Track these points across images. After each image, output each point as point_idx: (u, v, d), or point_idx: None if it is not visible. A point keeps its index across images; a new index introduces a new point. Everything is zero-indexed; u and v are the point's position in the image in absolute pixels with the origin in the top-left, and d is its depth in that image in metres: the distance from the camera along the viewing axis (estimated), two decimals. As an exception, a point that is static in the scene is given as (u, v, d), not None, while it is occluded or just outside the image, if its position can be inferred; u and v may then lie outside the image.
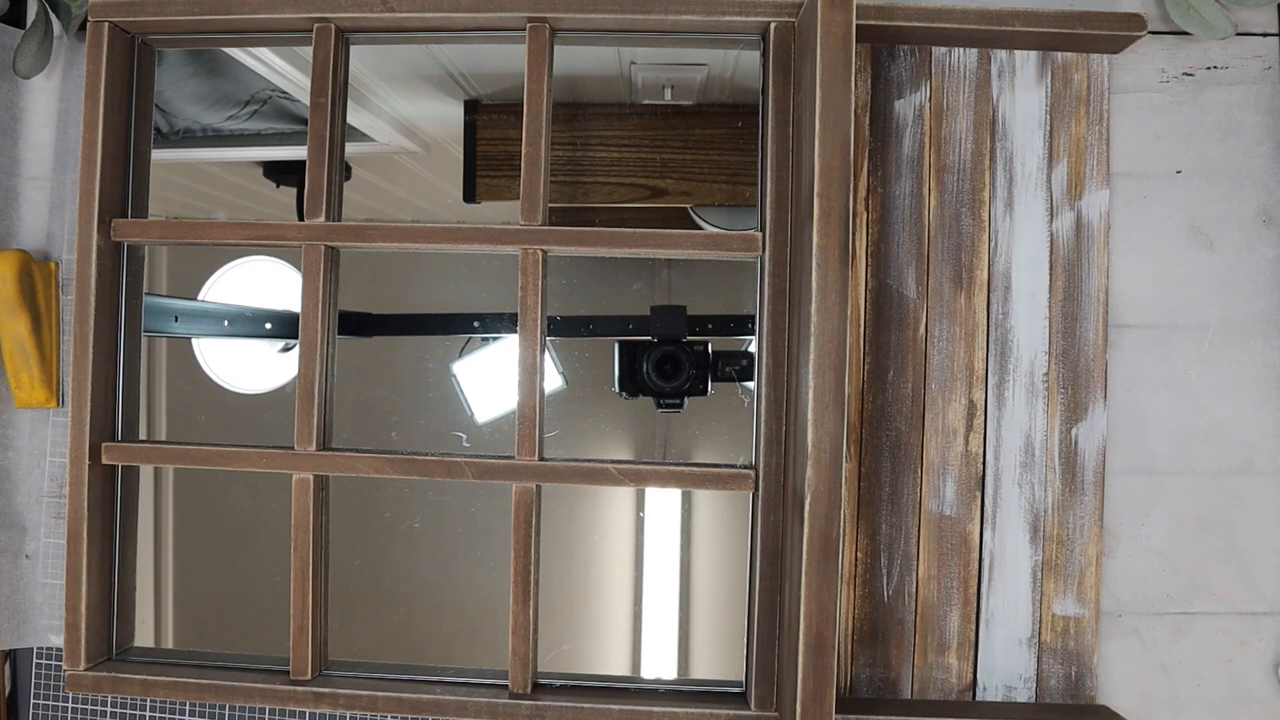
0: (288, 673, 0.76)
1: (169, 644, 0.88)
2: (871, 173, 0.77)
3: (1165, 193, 0.78)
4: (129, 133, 0.78)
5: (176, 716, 0.83)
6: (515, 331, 0.75)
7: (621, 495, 0.90)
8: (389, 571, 0.91)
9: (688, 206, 0.87)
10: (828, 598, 0.64)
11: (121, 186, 0.78)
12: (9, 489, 0.82)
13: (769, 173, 0.74)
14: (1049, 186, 0.77)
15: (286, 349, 0.93)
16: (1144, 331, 0.78)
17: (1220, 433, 0.77)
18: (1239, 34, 0.78)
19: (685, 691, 0.76)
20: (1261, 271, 0.78)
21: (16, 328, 0.79)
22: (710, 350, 0.84)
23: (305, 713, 0.81)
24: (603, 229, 0.74)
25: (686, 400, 0.85)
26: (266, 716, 0.82)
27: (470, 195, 0.90)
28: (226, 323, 0.93)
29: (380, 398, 0.91)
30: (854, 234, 0.77)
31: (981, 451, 0.77)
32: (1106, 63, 0.77)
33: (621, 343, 0.85)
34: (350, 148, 0.79)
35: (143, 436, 0.82)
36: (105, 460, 0.77)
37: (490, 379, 0.90)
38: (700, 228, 0.87)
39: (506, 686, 0.75)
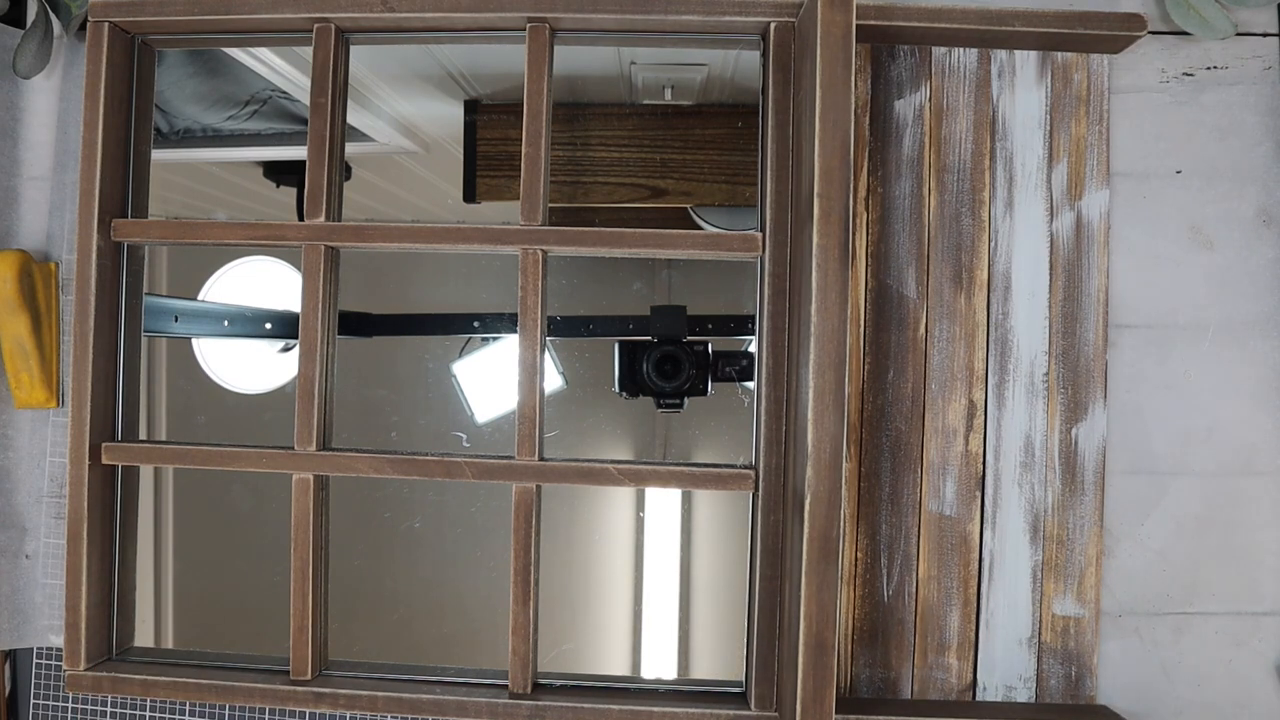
0: (288, 673, 0.76)
1: (169, 644, 0.88)
2: (871, 173, 0.77)
3: (1165, 193, 0.78)
4: (129, 133, 0.78)
5: (176, 716, 0.83)
6: (515, 331, 0.75)
7: (621, 495, 0.90)
8: (389, 571, 0.91)
9: (688, 206, 0.87)
10: (828, 598, 0.64)
11: (121, 186, 0.78)
12: (9, 489, 0.82)
13: (769, 173, 0.74)
14: (1049, 186, 0.77)
15: (286, 349, 0.93)
16: (1144, 331, 0.78)
17: (1220, 433, 0.77)
18: (1239, 34, 0.78)
19: (685, 691, 0.76)
20: (1261, 271, 0.78)
21: (16, 328, 0.79)
22: (710, 350, 0.84)
23: (305, 713, 0.81)
24: (603, 229, 0.74)
25: (686, 400, 0.85)
26: (266, 716, 0.82)
27: (470, 195, 0.90)
28: (226, 323, 0.93)
29: (380, 398, 0.91)
30: (854, 234, 0.77)
31: (981, 451, 0.77)
32: (1106, 63, 0.77)
33: (621, 343, 0.85)
34: (350, 148, 0.79)
35: (143, 436, 0.82)
36: (105, 460, 0.77)
37: (490, 379, 0.90)
38: (700, 228, 0.87)
39: (506, 686, 0.75)
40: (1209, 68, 0.78)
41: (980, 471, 0.77)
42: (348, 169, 0.80)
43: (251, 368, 0.93)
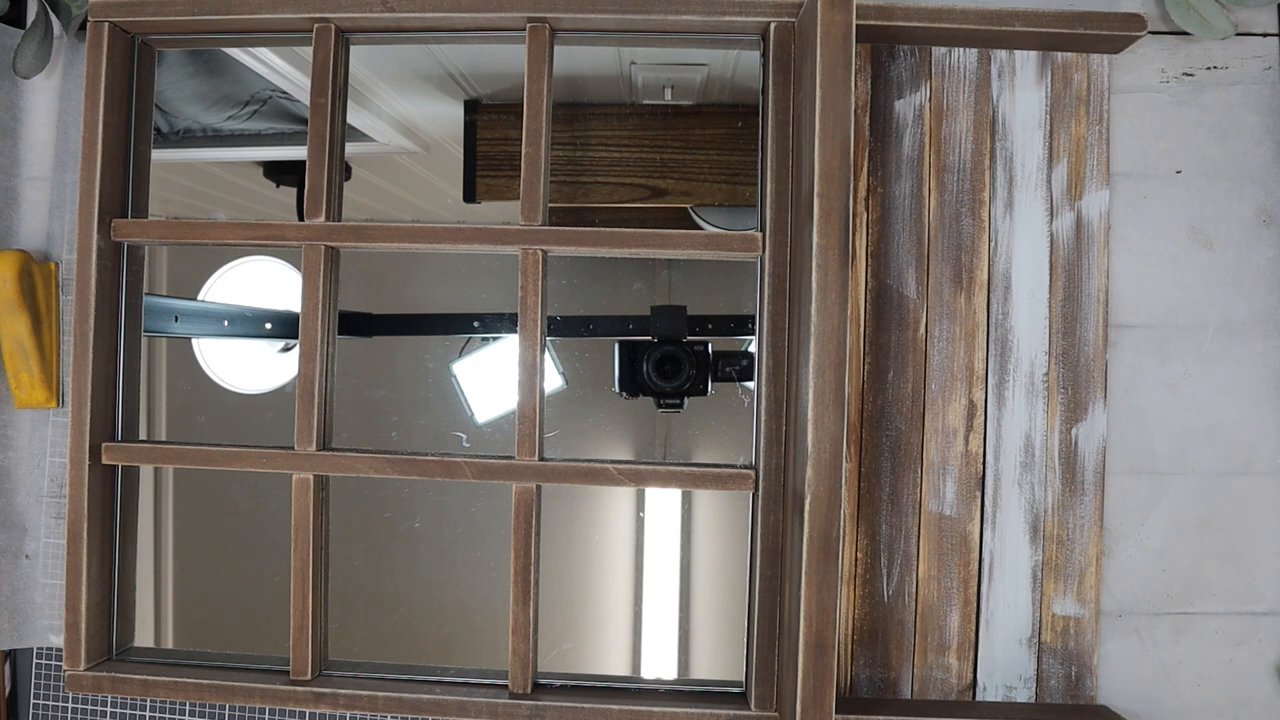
0: (288, 673, 0.76)
1: (169, 644, 0.88)
2: (871, 173, 0.77)
3: (1165, 193, 0.78)
4: (129, 133, 0.78)
5: (176, 716, 0.83)
6: (515, 331, 0.75)
7: (621, 495, 0.90)
8: (389, 571, 0.91)
9: (688, 206, 0.87)
10: (828, 598, 0.64)
11: (121, 186, 0.78)
12: (9, 489, 0.82)
13: (769, 173, 0.74)
14: (1049, 186, 0.77)
15: (286, 349, 0.93)
16: (1144, 331, 0.78)
17: (1220, 433, 0.77)
18: (1239, 34, 0.78)
19: (685, 691, 0.76)
20: (1261, 271, 0.78)
21: (16, 328, 0.79)
22: (710, 350, 0.84)
23: (305, 713, 0.81)
24: (603, 229, 0.74)
25: (686, 400, 0.85)
26: (266, 716, 0.82)
27: (470, 195, 0.90)
28: (226, 323, 0.93)
29: (380, 398, 0.91)
30: (854, 234, 0.77)
31: (981, 451, 0.77)
32: (1106, 63, 0.77)
33: (621, 343, 0.85)
34: (350, 148, 0.79)
35: (143, 436, 0.82)
36: (105, 460, 0.77)
37: (490, 379, 0.90)
38: (700, 228, 0.87)
39: (506, 686, 0.75)
40: (1209, 68, 0.78)
41: (980, 471, 0.77)
42: (348, 169, 0.80)
43: (251, 368, 0.93)
